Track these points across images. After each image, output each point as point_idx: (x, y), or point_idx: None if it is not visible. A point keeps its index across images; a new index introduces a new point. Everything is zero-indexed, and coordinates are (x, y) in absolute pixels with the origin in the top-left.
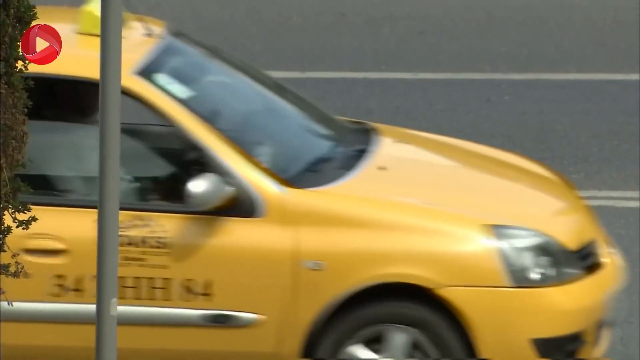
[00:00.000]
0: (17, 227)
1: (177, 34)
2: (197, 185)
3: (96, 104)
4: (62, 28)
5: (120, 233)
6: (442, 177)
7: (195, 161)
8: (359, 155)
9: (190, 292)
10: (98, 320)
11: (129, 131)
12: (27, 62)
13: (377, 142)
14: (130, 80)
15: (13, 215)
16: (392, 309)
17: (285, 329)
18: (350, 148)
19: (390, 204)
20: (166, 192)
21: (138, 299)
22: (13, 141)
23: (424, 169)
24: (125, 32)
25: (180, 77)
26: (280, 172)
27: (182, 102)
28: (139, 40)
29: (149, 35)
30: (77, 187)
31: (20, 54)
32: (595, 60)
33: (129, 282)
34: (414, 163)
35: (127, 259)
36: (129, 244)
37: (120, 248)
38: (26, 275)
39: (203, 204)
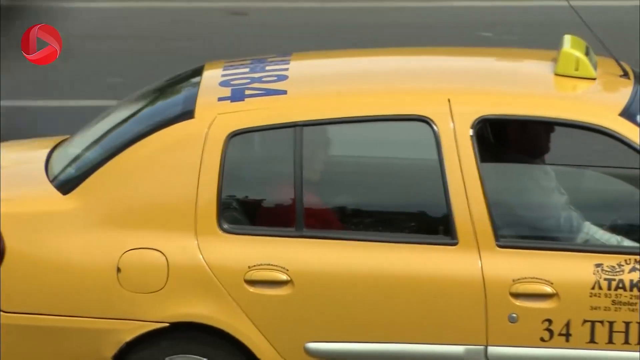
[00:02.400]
0: None
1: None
2: None
3: (549, 144)
4: (542, 68)
5: (612, 277)
6: None
7: None
8: None
9: None
10: None
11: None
12: None
13: None
14: (617, 122)
15: None
16: None
17: None
18: None
19: None
20: None
21: (627, 344)
22: None
23: None
24: (600, 74)
25: None
26: None
27: None
28: (616, 81)
29: (625, 76)
30: (563, 229)
31: None
32: None
33: (619, 327)
34: None
35: (617, 303)
36: (620, 287)
37: (610, 292)
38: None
39: None
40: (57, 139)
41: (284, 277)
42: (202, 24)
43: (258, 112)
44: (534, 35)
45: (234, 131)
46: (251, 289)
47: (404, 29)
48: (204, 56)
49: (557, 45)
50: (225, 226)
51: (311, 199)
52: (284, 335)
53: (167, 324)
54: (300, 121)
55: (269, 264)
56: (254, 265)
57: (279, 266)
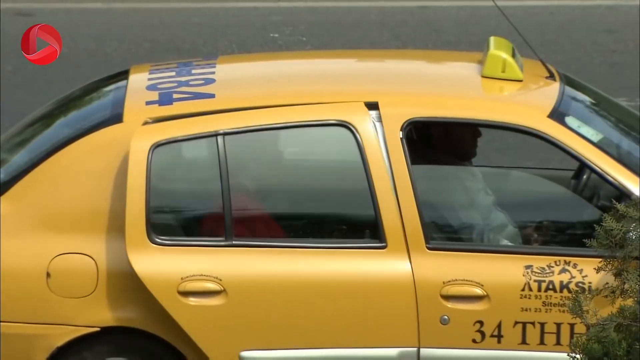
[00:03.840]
0: None
1: (564, 75)
2: None
3: (477, 146)
4: (468, 70)
5: (542, 278)
6: None
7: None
8: None
9: None
10: None
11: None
12: None
13: None
14: (546, 124)
15: None
16: None
17: None
18: None
19: None
20: (586, 236)
21: (558, 345)
22: None
23: None
24: (527, 76)
25: (583, 118)
26: None
27: (597, 144)
28: (543, 83)
29: (551, 77)
30: (483, 230)
31: None
32: None
33: (550, 328)
34: None
35: (547, 304)
36: (550, 289)
37: (540, 293)
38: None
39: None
40: None
41: (217, 287)
42: None
43: None
44: (322, 37)
45: None
46: (184, 300)
47: (192, 29)
48: None
49: (350, 45)
50: (155, 233)
51: (241, 207)
52: (218, 344)
53: (98, 329)
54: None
55: (201, 275)
56: (187, 277)
57: (212, 276)
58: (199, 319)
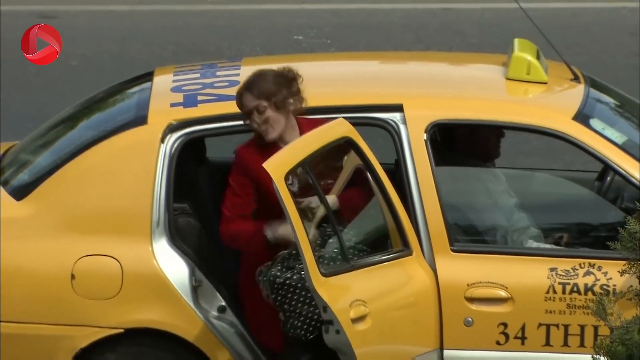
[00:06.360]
0: None
1: (589, 77)
2: None
3: (500, 148)
4: (493, 72)
5: (566, 281)
6: None
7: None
8: None
9: None
10: None
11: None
12: None
13: None
14: (571, 126)
15: None
16: None
17: None
18: None
19: None
20: (610, 238)
21: (582, 347)
22: None
23: None
24: (551, 78)
25: (608, 121)
26: None
27: (621, 146)
28: (568, 85)
29: (575, 79)
30: (506, 232)
31: None
32: None
33: (574, 330)
34: None
35: (571, 306)
36: (574, 291)
37: (565, 296)
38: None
39: None
40: (5, 144)
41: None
42: (10, 27)
43: None
44: (346, 39)
45: None
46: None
47: (216, 31)
48: (13, 59)
49: (372, 47)
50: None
51: None
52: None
53: (122, 330)
54: None
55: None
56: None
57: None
58: None
